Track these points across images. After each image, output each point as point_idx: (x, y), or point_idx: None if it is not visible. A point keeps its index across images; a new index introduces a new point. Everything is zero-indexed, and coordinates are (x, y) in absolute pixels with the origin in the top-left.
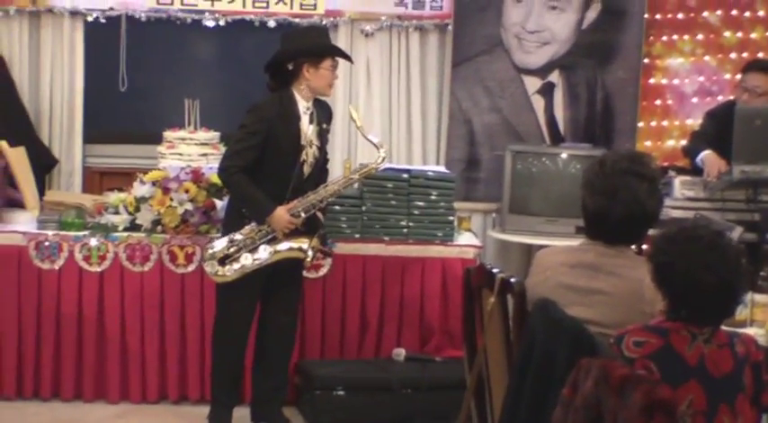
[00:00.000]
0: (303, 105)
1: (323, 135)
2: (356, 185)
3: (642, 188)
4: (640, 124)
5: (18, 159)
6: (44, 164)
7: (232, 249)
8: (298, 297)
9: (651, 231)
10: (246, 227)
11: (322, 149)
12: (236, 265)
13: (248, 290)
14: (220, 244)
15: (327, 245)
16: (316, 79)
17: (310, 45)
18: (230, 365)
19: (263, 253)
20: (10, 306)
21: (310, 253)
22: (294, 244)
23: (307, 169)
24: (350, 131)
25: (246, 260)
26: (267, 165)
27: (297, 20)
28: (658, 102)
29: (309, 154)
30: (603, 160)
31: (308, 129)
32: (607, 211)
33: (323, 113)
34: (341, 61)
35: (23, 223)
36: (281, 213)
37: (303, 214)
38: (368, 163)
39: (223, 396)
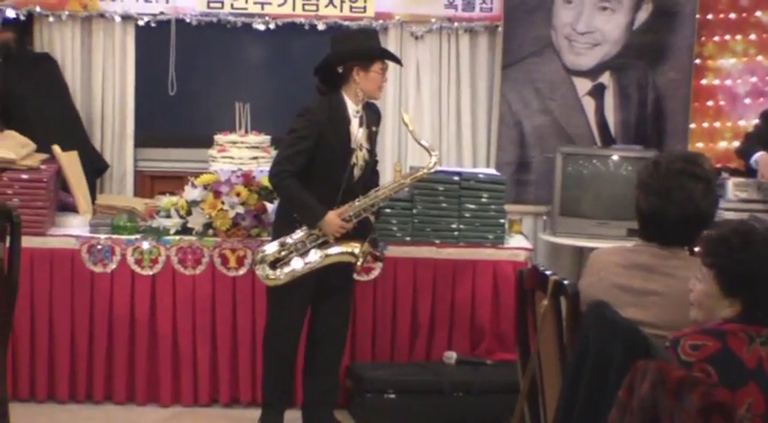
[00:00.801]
0: (353, 108)
1: (372, 138)
2: (407, 189)
3: (697, 189)
4: (692, 126)
5: (71, 163)
6: (95, 168)
7: (283, 253)
8: (349, 301)
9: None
10: (298, 231)
11: (372, 152)
12: (286, 269)
13: (299, 294)
14: (271, 248)
15: (379, 249)
16: (365, 82)
17: (360, 48)
18: (281, 369)
19: (314, 257)
20: (63, 309)
21: (361, 257)
22: (345, 248)
23: (357, 172)
24: (400, 134)
25: (297, 264)
26: (318, 168)
27: (346, 23)
28: (710, 103)
29: (359, 157)
30: (658, 161)
31: (357, 132)
32: (662, 212)
33: (372, 116)
34: (390, 64)
35: (76, 227)
36: (332, 218)
37: (354, 219)
38: (419, 167)
39: (274, 400)
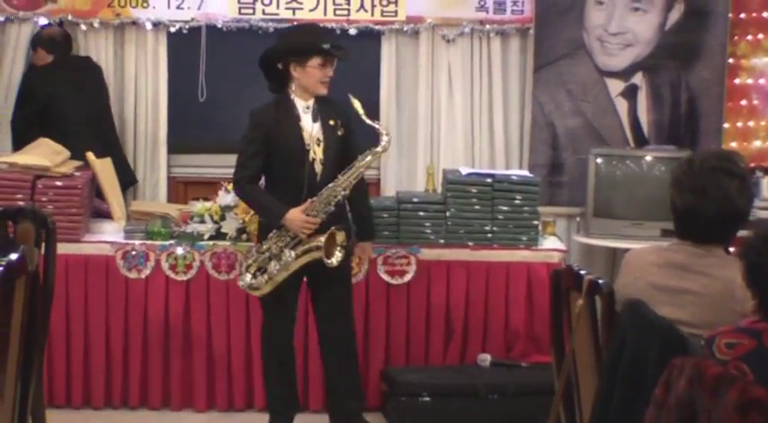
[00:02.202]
0: (302, 105)
1: (332, 132)
2: (439, 190)
3: (732, 185)
4: (726, 125)
5: (104, 170)
6: (124, 181)
7: (261, 259)
8: (345, 300)
9: (741, 232)
10: (270, 235)
11: (334, 146)
12: (265, 276)
13: (282, 300)
14: (250, 256)
15: (351, 239)
16: (304, 78)
17: (294, 43)
18: (276, 375)
19: (287, 257)
20: (98, 315)
21: (323, 249)
22: (312, 243)
23: (318, 167)
24: (432, 136)
25: (272, 267)
26: (277, 169)
27: (378, 27)
28: (744, 102)
29: (318, 152)
30: (692, 159)
31: (311, 127)
32: (697, 210)
33: (332, 110)
34: (425, 67)
35: (110, 233)
36: (294, 214)
37: (322, 213)
38: (371, 149)
39: (278, 405)
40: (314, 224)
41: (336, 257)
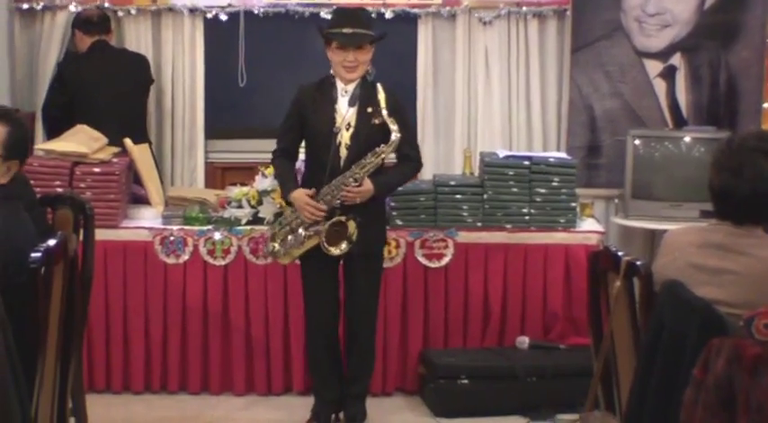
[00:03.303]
0: (341, 87)
1: (367, 118)
2: (476, 173)
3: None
4: (765, 105)
5: (142, 156)
6: None
7: (283, 231)
8: (371, 292)
9: None
10: (288, 209)
11: (364, 133)
12: (284, 245)
13: (320, 287)
14: (276, 225)
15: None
16: (332, 61)
17: (320, 28)
18: (316, 358)
19: (299, 235)
20: (137, 301)
21: (324, 236)
22: (318, 226)
23: (344, 152)
24: (469, 119)
25: (290, 241)
26: (309, 147)
27: (415, 10)
28: None
29: (345, 136)
30: (732, 138)
31: (345, 111)
32: (732, 189)
33: (374, 98)
34: (462, 50)
35: (149, 219)
36: (298, 195)
37: (334, 201)
38: (381, 146)
39: (321, 389)
40: (319, 210)
41: (340, 248)
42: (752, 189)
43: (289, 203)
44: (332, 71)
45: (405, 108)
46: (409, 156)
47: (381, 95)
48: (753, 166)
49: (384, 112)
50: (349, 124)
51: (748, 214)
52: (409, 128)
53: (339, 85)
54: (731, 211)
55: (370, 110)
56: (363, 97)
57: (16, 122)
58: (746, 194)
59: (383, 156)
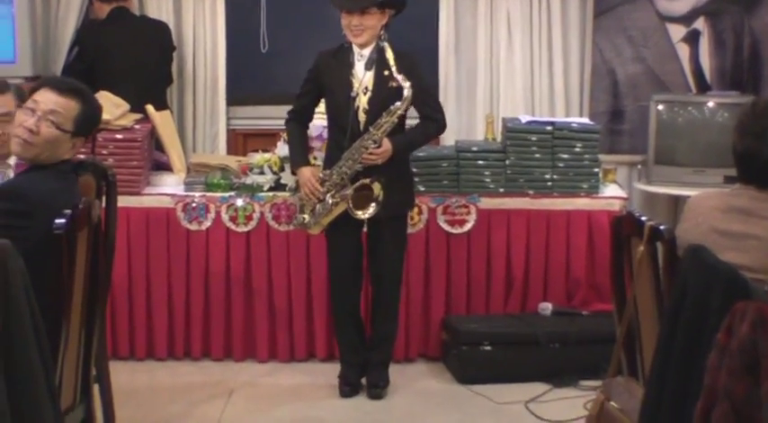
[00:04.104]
0: (357, 52)
1: (384, 82)
2: (498, 139)
3: None
4: None
5: (164, 122)
6: None
7: (311, 201)
8: (400, 250)
9: None
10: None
11: (382, 96)
12: (314, 218)
13: (343, 253)
14: (304, 198)
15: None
16: (343, 26)
17: None
18: (342, 323)
19: (327, 202)
20: (160, 268)
21: (373, 206)
22: (345, 191)
23: (362, 116)
24: (491, 85)
25: (318, 209)
26: (329, 111)
27: None
28: None
29: (363, 100)
30: (756, 102)
31: (363, 75)
32: (755, 153)
33: (386, 59)
34: (483, 15)
35: (171, 186)
36: (304, 173)
37: (356, 164)
38: (395, 104)
39: (347, 354)
40: (319, 191)
41: (367, 211)
42: None
43: (292, 173)
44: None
45: (420, 68)
46: (431, 116)
47: (389, 54)
48: None
49: (393, 69)
50: (366, 88)
51: None
52: (428, 88)
53: (356, 49)
54: (754, 175)
55: (386, 73)
56: (379, 61)
57: (90, 101)
58: None
59: (398, 113)
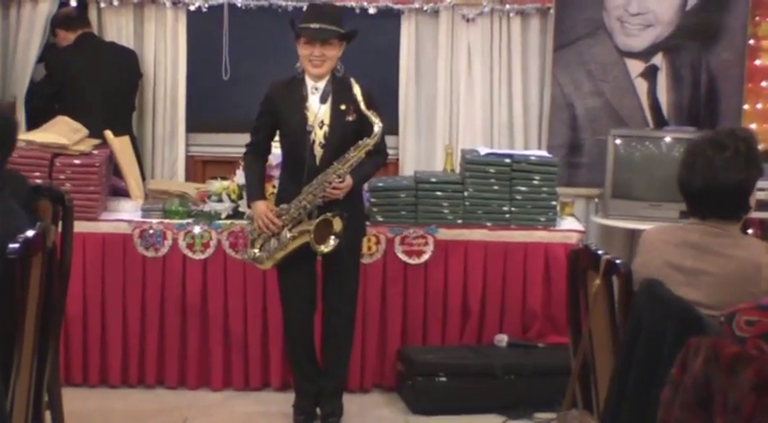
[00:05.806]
0: (311, 85)
1: (340, 116)
2: (457, 170)
3: (719, 157)
4: (746, 106)
5: (123, 148)
6: None
7: (264, 235)
8: (350, 287)
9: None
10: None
11: (339, 131)
12: (266, 252)
13: (297, 285)
14: (256, 231)
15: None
16: (300, 56)
17: (291, 22)
18: (296, 353)
19: (284, 237)
20: (115, 294)
21: (332, 239)
22: (305, 226)
23: (318, 150)
24: (451, 116)
25: (272, 244)
26: (284, 144)
27: (398, 6)
28: (764, 83)
29: (319, 135)
30: (701, 135)
31: (318, 109)
32: (687, 182)
33: (347, 94)
34: (444, 47)
35: (128, 212)
36: (260, 206)
37: (317, 199)
38: (364, 140)
39: (301, 383)
40: (275, 226)
41: (328, 245)
42: (702, 182)
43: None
44: (300, 67)
45: (377, 100)
46: (380, 149)
47: (357, 89)
48: (703, 158)
49: (362, 106)
50: (322, 122)
51: (707, 208)
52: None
53: (309, 82)
54: (691, 205)
55: (343, 107)
56: (336, 94)
57: (3, 116)
58: (698, 188)
59: (367, 149)
